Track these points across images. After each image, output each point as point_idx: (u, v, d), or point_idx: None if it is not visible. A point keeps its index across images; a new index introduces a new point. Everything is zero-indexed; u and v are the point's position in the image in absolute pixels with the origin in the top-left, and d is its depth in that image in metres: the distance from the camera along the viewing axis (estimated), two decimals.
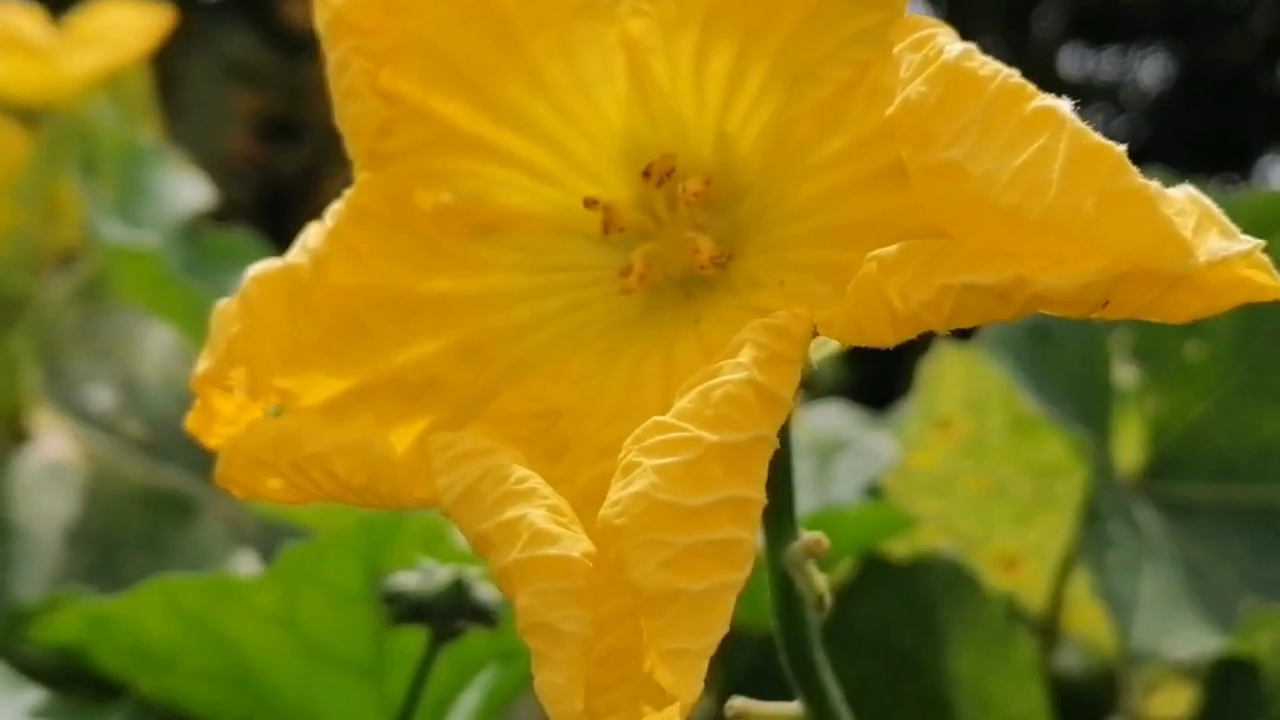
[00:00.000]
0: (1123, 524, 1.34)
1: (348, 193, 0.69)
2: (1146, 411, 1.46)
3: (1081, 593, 1.41)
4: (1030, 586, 1.48)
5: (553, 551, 0.53)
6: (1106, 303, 0.51)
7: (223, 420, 0.67)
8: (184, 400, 1.56)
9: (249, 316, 0.66)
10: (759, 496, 0.53)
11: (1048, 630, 1.46)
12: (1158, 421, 1.45)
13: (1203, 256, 0.50)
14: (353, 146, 0.68)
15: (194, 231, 1.84)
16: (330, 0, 0.67)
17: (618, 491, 0.52)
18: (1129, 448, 1.46)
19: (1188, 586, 1.32)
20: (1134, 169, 0.51)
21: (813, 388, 2.14)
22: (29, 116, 1.80)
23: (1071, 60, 8.70)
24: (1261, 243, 0.50)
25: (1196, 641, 1.25)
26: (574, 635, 0.52)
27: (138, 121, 1.93)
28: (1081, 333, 1.41)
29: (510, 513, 0.55)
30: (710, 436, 0.52)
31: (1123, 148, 0.51)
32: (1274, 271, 0.51)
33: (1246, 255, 0.50)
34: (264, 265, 0.67)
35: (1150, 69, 8.59)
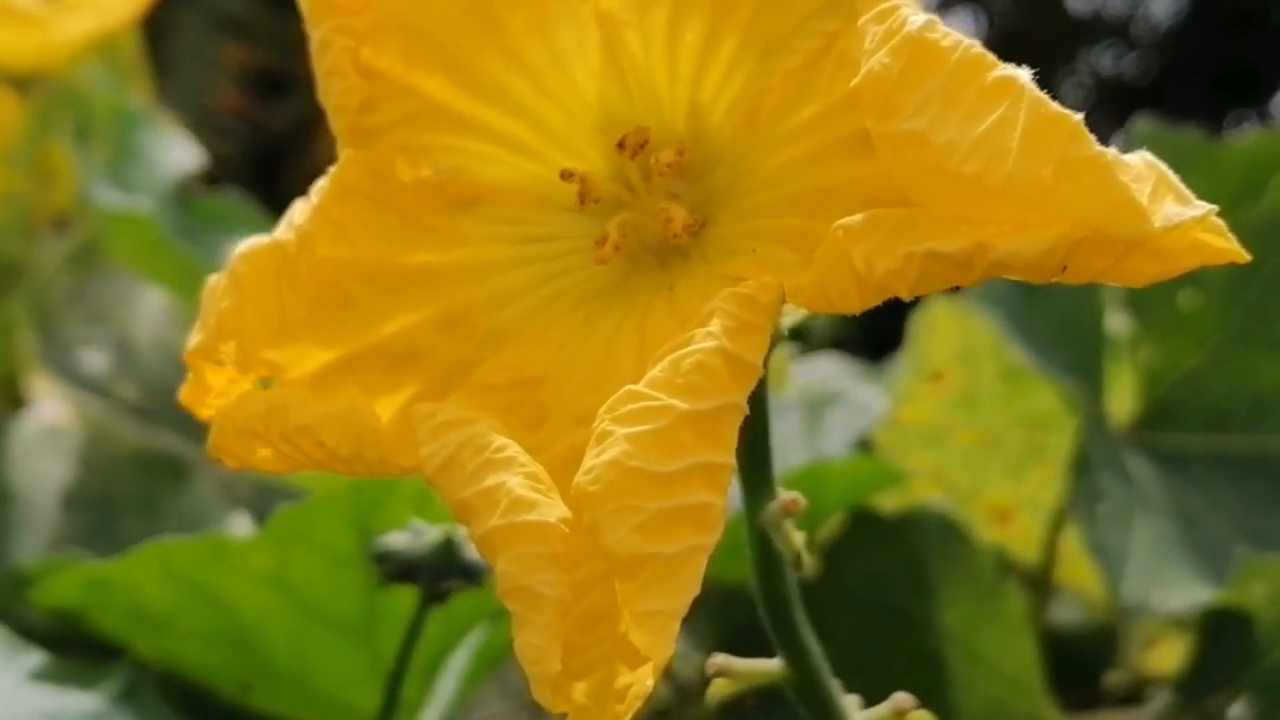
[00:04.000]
0: (1114, 475, 1.35)
1: (332, 169, 0.70)
2: (1139, 361, 1.47)
3: (1076, 546, 1.41)
4: (1023, 539, 1.49)
5: (530, 518, 0.54)
6: (1065, 267, 0.53)
7: (214, 392, 0.69)
8: (176, 363, 1.58)
9: (238, 292, 0.68)
10: (729, 461, 0.54)
11: (1041, 583, 1.47)
12: (1151, 371, 1.46)
13: (1158, 222, 0.51)
14: (336, 123, 0.70)
15: (185, 194, 1.86)
16: None
17: (592, 459, 0.54)
18: (1122, 398, 1.47)
19: (1180, 538, 1.33)
20: (1091, 137, 0.52)
21: (809, 340, 2.15)
22: (21, 83, 1.81)
23: None
24: (1214, 207, 0.52)
25: (1188, 593, 1.27)
26: (551, 598, 0.53)
27: (129, 85, 1.95)
28: None
29: (490, 480, 0.56)
30: (681, 404, 0.54)
31: (1080, 116, 0.53)
32: (1228, 235, 0.52)
33: (1201, 220, 0.52)
34: (252, 242, 0.69)
35: (1161, 3, 8.55)
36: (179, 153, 1.88)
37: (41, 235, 1.82)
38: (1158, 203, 0.51)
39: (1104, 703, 1.53)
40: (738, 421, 0.55)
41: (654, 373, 0.55)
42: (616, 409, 0.54)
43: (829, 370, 1.78)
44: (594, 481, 0.53)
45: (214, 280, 0.69)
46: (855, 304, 0.57)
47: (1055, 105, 0.52)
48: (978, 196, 0.53)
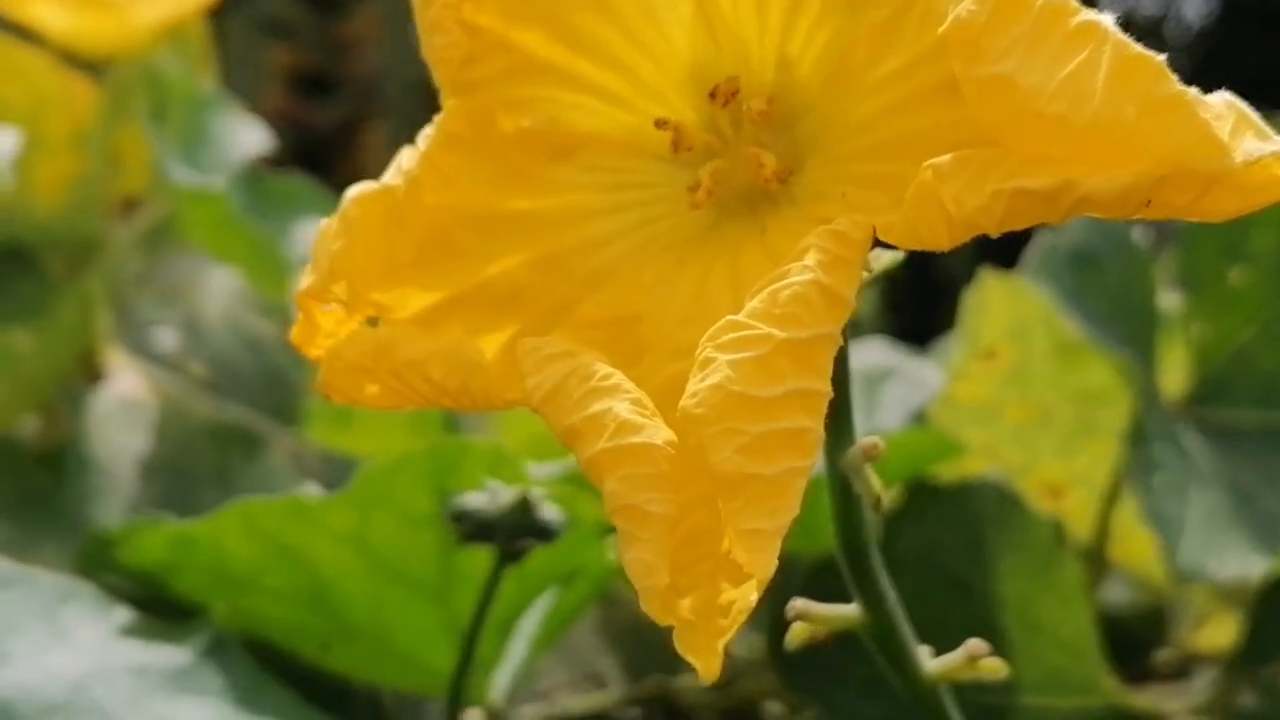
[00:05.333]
0: (1169, 447, 1.35)
1: (437, 119, 0.73)
2: (1191, 337, 1.47)
3: (1127, 523, 1.42)
4: (1076, 515, 1.50)
5: (637, 440, 0.57)
6: (1149, 203, 0.55)
7: (324, 332, 0.72)
8: (244, 342, 1.59)
9: (349, 235, 0.71)
10: (825, 389, 0.57)
11: (1094, 559, 1.47)
12: (1202, 347, 1.47)
13: (1239, 156, 0.53)
14: (439, 76, 0.73)
15: (254, 176, 1.89)
16: None
17: (695, 384, 0.56)
18: (1173, 373, 1.48)
19: (1234, 510, 1.32)
20: (1173, 77, 0.54)
21: (856, 326, 2.17)
22: (96, 67, 1.84)
23: None
24: None
25: (1243, 562, 1.27)
26: (659, 515, 0.56)
27: (198, 70, 1.98)
28: (1125, 258, 1.42)
29: (596, 406, 0.59)
30: (779, 333, 0.56)
31: (1163, 57, 0.55)
32: None
33: None
34: (362, 187, 0.72)
35: (1192, 4, 8.53)
36: (248, 136, 1.93)
37: (112, 217, 1.85)
38: (1238, 139, 0.54)
39: (1153, 679, 1.54)
40: (832, 351, 0.58)
41: (753, 304, 0.58)
42: (718, 337, 0.57)
43: (880, 353, 1.80)
44: (699, 405, 0.56)
45: (325, 224, 0.72)
46: (944, 241, 0.59)
47: (1138, 47, 0.55)
48: (1063, 136, 0.55)
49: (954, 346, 1.61)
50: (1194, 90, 0.54)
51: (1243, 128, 0.54)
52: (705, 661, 0.56)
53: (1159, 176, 0.54)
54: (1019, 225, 0.58)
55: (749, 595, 0.56)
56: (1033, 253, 1.42)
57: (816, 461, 0.56)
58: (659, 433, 0.57)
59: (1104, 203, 0.56)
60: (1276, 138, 0.54)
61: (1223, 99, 0.55)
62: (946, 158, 0.58)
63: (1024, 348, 1.50)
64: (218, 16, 1.98)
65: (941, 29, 0.59)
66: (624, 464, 0.57)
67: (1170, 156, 0.54)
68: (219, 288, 1.83)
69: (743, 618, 0.56)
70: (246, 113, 2.02)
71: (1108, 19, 0.56)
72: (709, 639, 0.56)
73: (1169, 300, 1.50)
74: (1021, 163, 0.57)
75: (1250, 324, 1.45)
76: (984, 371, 1.51)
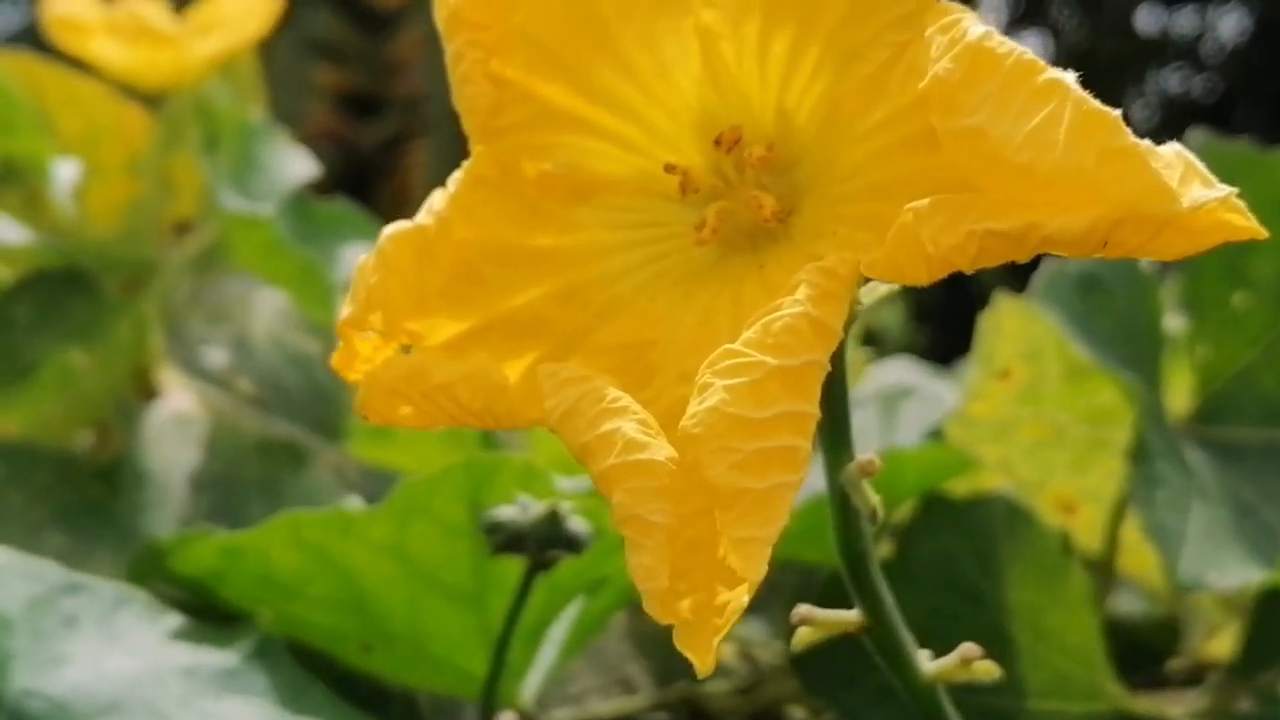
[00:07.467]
0: (1172, 464, 1.38)
1: (466, 163, 0.80)
2: (1195, 359, 1.51)
3: (1139, 537, 1.46)
4: (1088, 530, 1.53)
5: (642, 456, 0.63)
6: (1105, 243, 0.61)
7: (362, 358, 0.79)
8: (291, 360, 1.64)
9: (384, 269, 0.77)
10: (813, 411, 0.63)
11: (1104, 571, 1.51)
12: (1206, 368, 1.51)
13: (1186, 202, 0.59)
14: (468, 124, 0.80)
15: (301, 202, 1.95)
16: (448, 0, 0.78)
17: (695, 407, 0.62)
18: (1178, 394, 1.51)
19: (1235, 523, 1.36)
20: (1128, 130, 0.60)
21: (882, 343, 2.21)
22: (152, 99, 1.91)
23: (1148, 17, 8.67)
24: (1235, 190, 0.60)
25: (1241, 572, 1.30)
26: (660, 525, 0.62)
27: (247, 100, 2.04)
28: (1131, 283, 1.46)
29: (606, 426, 0.65)
30: (771, 360, 0.63)
31: (1119, 111, 0.61)
32: (1248, 214, 0.61)
33: (1224, 200, 0.60)
34: (397, 226, 0.79)
35: (1228, 23, 8.55)
36: (295, 163, 1.99)
37: (165, 241, 1.91)
38: (1186, 186, 0.59)
39: (1166, 687, 1.58)
40: (820, 377, 0.64)
41: (748, 334, 0.64)
42: (716, 364, 0.63)
43: (901, 372, 1.85)
44: (697, 425, 0.62)
45: (363, 259, 0.78)
46: (924, 277, 0.65)
47: (1096, 102, 0.61)
48: (1029, 182, 0.61)
49: (970, 367, 1.65)
50: (1146, 142, 0.60)
51: (1190, 176, 0.60)
52: (701, 656, 0.62)
53: (1115, 219, 0.60)
54: (990, 263, 0.64)
55: (742, 597, 0.61)
56: (1041, 277, 1.46)
57: (805, 476, 0.62)
58: (662, 450, 0.63)
59: (1066, 242, 0.62)
60: (1220, 185, 0.60)
61: (1173, 149, 0.61)
62: (925, 201, 0.64)
63: (1037, 368, 1.53)
64: (264, 36, 2.04)
65: (921, 85, 0.65)
66: (630, 478, 0.63)
67: (1125, 201, 0.60)
68: (267, 308, 1.88)
69: (735, 617, 0.62)
70: (292, 136, 2.08)
71: (1070, 76, 0.62)
72: (706, 636, 0.62)
73: (1174, 323, 1.53)
74: (992, 206, 0.63)
75: (1252, 347, 1.49)
76: (999, 391, 1.54)
